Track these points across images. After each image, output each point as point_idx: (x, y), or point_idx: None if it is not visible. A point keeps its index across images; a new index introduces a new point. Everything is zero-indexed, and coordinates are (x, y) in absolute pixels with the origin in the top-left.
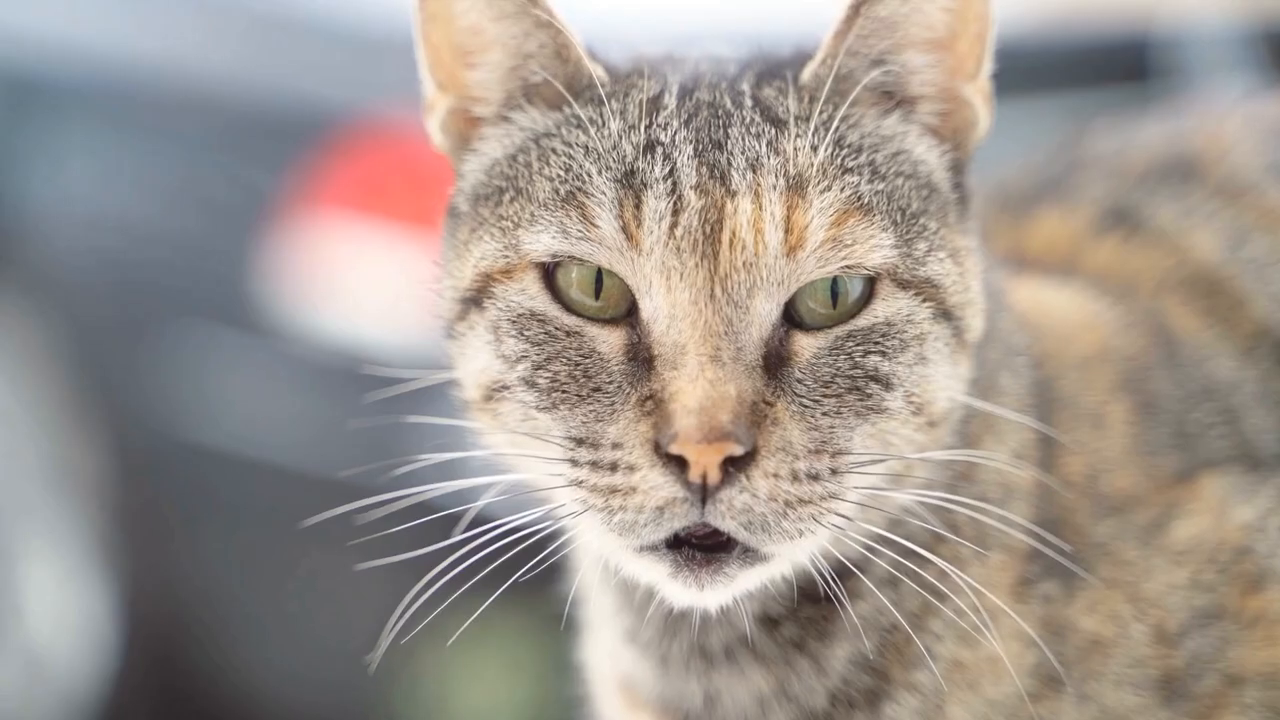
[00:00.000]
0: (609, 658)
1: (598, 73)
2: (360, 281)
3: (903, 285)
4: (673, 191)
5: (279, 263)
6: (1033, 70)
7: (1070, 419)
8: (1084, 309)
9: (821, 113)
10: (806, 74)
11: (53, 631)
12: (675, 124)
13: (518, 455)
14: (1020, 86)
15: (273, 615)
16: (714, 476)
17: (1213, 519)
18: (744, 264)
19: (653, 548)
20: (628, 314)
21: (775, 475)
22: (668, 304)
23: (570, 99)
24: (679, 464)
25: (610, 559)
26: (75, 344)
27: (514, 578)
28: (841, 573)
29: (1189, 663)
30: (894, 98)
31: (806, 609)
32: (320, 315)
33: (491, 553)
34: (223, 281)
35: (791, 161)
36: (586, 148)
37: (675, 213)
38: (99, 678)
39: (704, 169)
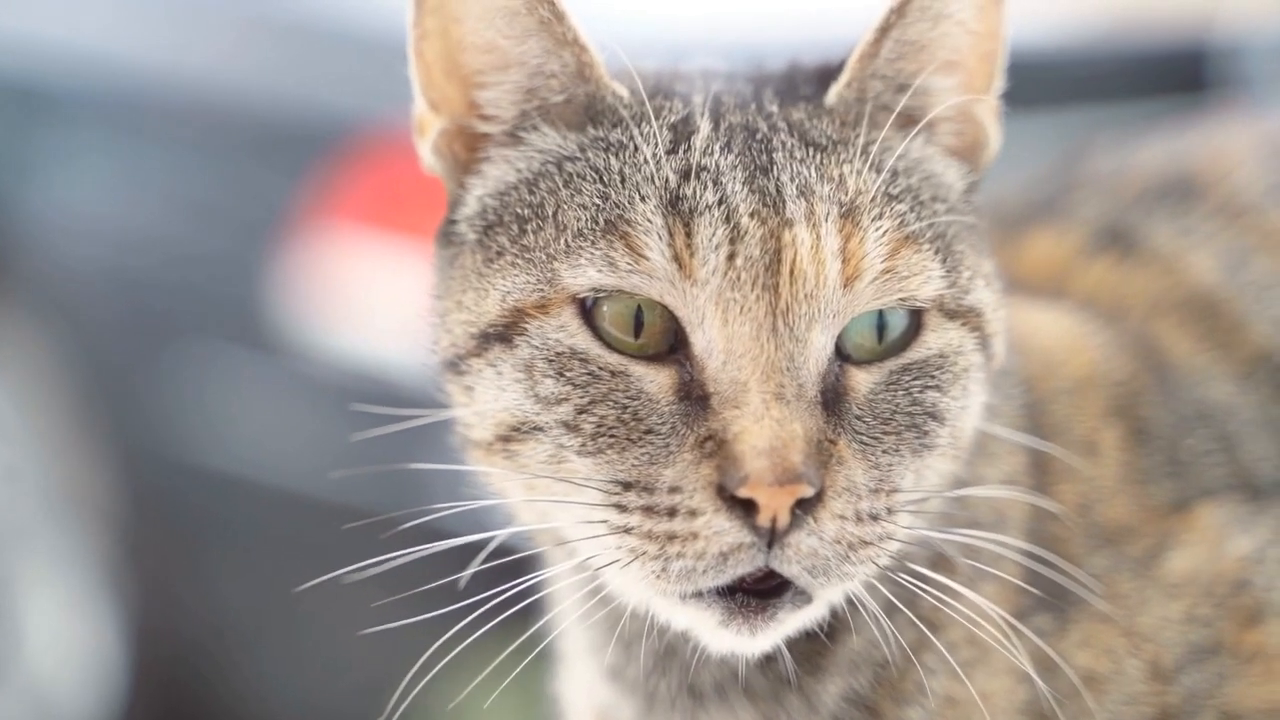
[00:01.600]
0: (585, 691)
1: (621, 93)
2: (378, 299)
3: (950, 315)
4: (728, 219)
5: (293, 278)
6: (1085, 80)
7: (1062, 446)
8: (1073, 331)
9: (858, 138)
10: (832, 96)
11: (56, 663)
12: (715, 148)
13: (537, 501)
14: (1072, 97)
15: (286, 646)
16: (784, 520)
17: (1209, 551)
18: (805, 295)
19: (701, 594)
20: (670, 350)
21: (841, 516)
22: (724, 338)
23: (591, 121)
24: (745, 508)
25: (643, 606)
26: (82, 361)
27: (495, 616)
28: (850, 606)
29: (1185, 699)
30: (916, 120)
31: (801, 643)
32: (337, 334)
33: (504, 601)
34: (235, 298)
35: (842, 188)
36: (622, 174)
37: (733, 241)
38: (105, 712)
39: (755, 195)
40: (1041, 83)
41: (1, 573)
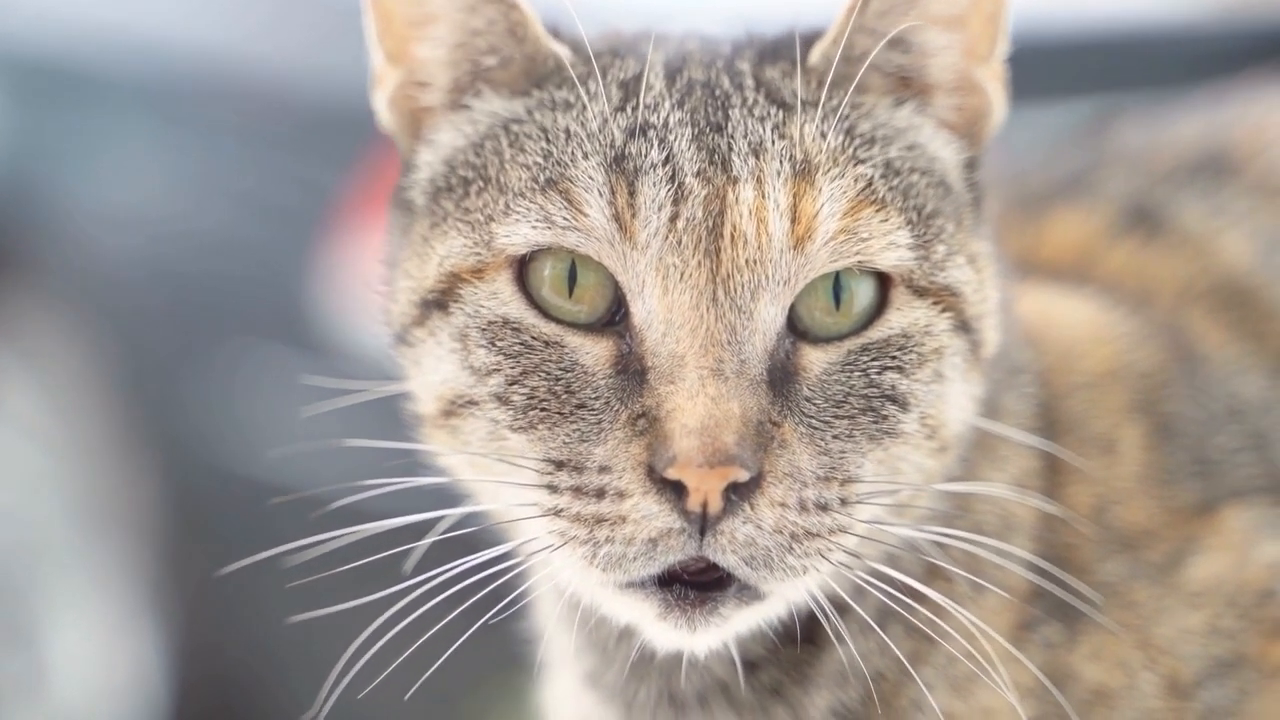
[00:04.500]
0: (567, 700)
1: (563, 53)
2: None
3: (919, 293)
4: (673, 179)
5: (344, 274)
6: (1201, 59)
7: (1077, 444)
8: (1095, 320)
9: (832, 97)
10: (815, 55)
11: (90, 689)
12: (666, 105)
13: (480, 480)
14: (1187, 78)
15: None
16: (715, 505)
17: (1234, 557)
18: (747, 261)
19: (639, 585)
20: (611, 321)
21: (782, 504)
22: (663, 308)
23: (537, 85)
24: (675, 490)
25: (587, 597)
26: (120, 360)
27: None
28: (831, 612)
29: (1204, 717)
30: (909, 85)
31: (787, 652)
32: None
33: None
34: (283, 294)
35: (798, 146)
36: (567, 131)
37: (676, 202)
38: None
39: (704, 154)
40: (1163, 61)
41: (28, 590)
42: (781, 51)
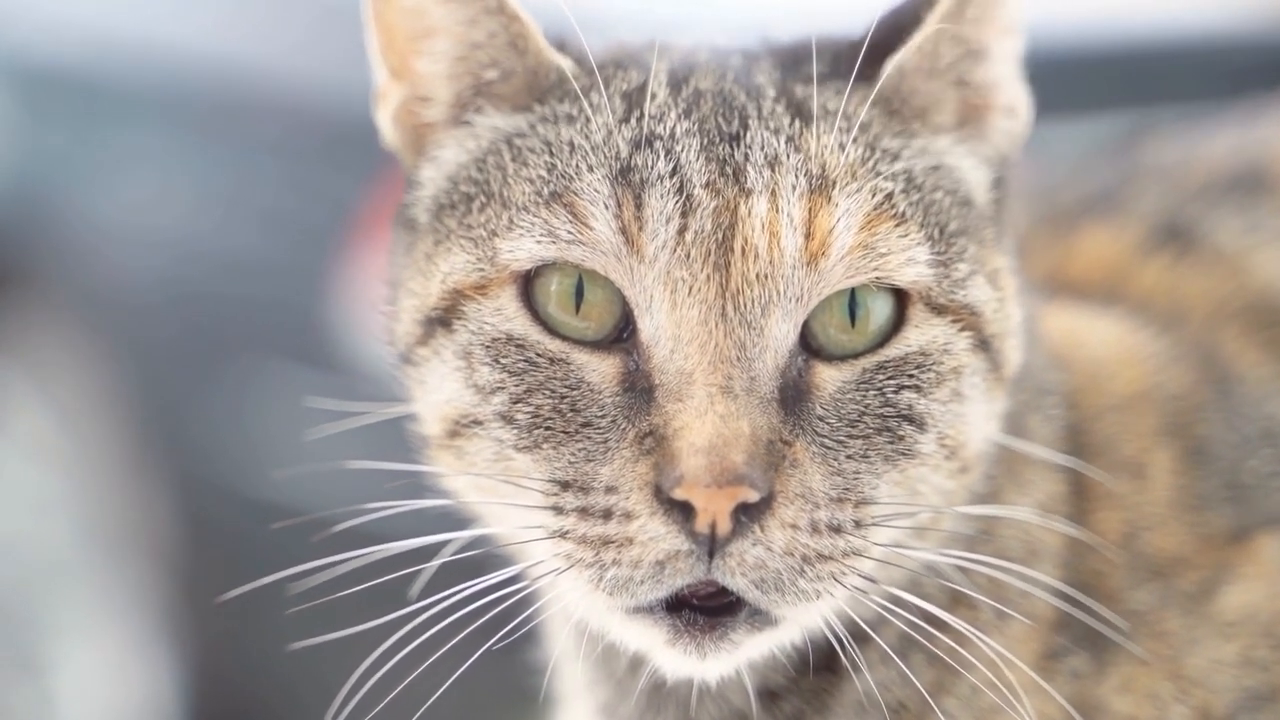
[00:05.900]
0: None
1: (567, 65)
2: None
3: (938, 310)
4: (681, 190)
5: (362, 291)
6: (1236, 72)
7: (1106, 468)
8: (1125, 341)
9: (859, 112)
10: (890, 66)
11: (100, 718)
12: (672, 116)
13: (485, 502)
14: (1223, 91)
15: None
16: (724, 526)
17: (1269, 586)
18: (758, 276)
19: (647, 609)
20: (619, 338)
21: (793, 526)
22: (672, 323)
23: (539, 100)
24: (683, 511)
25: (595, 622)
26: (135, 379)
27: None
28: (848, 640)
29: None
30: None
31: (806, 681)
32: None
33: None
34: (302, 312)
35: (815, 159)
36: (571, 144)
37: (684, 214)
38: None
39: (714, 165)
40: (1197, 74)
41: (37, 615)
42: (804, 61)
